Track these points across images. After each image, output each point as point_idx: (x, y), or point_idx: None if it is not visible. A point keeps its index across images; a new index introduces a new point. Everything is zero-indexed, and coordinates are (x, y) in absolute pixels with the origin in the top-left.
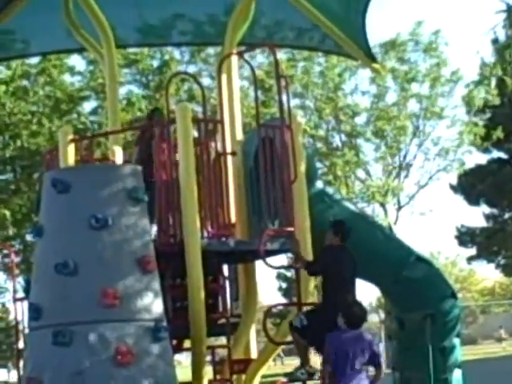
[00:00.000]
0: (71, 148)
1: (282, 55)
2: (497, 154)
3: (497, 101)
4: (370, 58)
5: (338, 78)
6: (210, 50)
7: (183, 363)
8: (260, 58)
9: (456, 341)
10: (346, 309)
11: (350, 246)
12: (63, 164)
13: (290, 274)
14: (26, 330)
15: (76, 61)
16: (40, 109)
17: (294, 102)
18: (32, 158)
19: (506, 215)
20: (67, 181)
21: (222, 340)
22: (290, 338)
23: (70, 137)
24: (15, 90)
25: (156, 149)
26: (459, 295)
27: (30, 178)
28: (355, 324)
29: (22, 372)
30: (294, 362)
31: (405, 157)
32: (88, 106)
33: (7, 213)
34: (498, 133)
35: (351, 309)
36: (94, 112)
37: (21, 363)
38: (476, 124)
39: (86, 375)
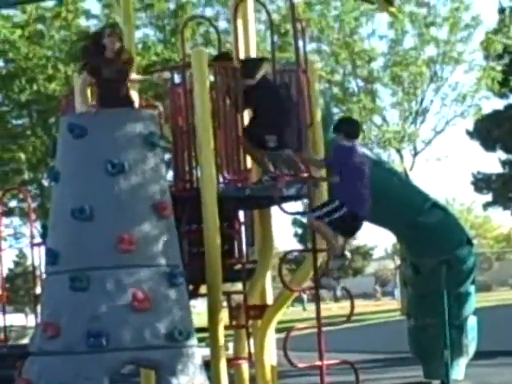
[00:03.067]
0: (87, 93)
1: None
2: None
3: None
4: (386, 1)
5: (355, 22)
6: None
7: (198, 308)
8: (279, 1)
9: (471, 287)
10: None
11: None
12: (80, 109)
13: (305, 220)
14: (44, 276)
15: (91, 4)
16: (56, 53)
17: (311, 46)
18: (48, 103)
19: None
20: (83, 125)
21: (238, 286)
22: (306, 284)
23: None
24: (30, 34)
25: (171, 94)
26: (474, 242)
27: (46, 122)
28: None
29: (39, 317)
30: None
31: (421, 102)
32: None
33: (23, 157)
34: None
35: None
36: None
37: (38, 308)
38: (494, 69)
39: (103, 320)
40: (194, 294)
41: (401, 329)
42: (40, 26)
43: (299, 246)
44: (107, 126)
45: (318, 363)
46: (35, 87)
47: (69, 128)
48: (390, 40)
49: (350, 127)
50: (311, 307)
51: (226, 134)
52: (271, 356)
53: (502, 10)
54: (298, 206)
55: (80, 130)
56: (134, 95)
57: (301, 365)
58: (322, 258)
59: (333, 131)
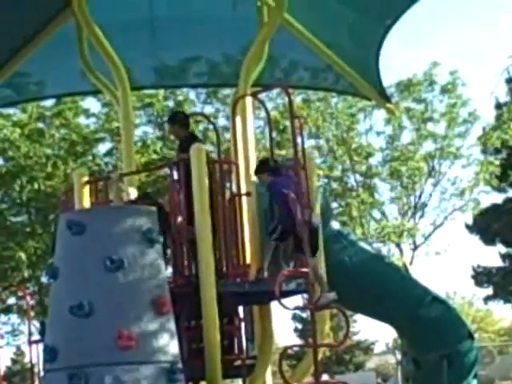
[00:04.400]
0: (86, 190)
1: (297, 96)
2: None
3: None
4: (384, 98)
5: (352, 118)
6: (228, 91)
7: None
8: (278, 99)
9: (473, 382)
10: None
11: (367, 287)
12: (78, 206)
13: (305, 315)
14: (42, 373)
15: (91, 103)
16: (55, 151)
17: (309, 142)
18: (47, 201)
19: None
20: (82, 222)
21: (238, 382)
22: (306, 380)
23: (85, 179)
24: (30, 132)
25: (170, 190)
26: (476, 335)
27: (45, 220)
28: None
29: None
30: None
31: (420, 197)
32: (103, 148)
33: (23, 255)
34: None
35: None
36: (108, 154)
37: None
38: (492, 163)
39: None
40: None
41: None
42: (40, 125)
43: (299, 341)
44: (105, 222)
45: None
46: (36, 186)
47: (67, 225)
48: (388, 136)
49: (269, 166)
50: None
51: (224, 228)
52: None
53: (498, 106)
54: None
55: (78, 226)
56: (132, 191)
57: None
58: (322, 353)
59: (257, 173)
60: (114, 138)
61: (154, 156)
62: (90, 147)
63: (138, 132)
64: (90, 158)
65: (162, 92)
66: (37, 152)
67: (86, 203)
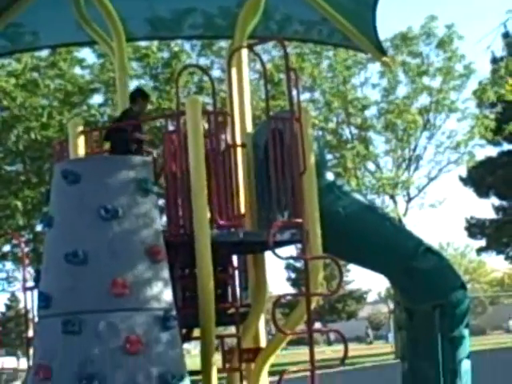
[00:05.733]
0: (81, 140)
1: (291, 50)
2: (507, 146)
3: (509, 95)
4: (380, 51)
5: (347, 71)
6: (222, 43)
7: (192, 352)
8: (273, 51)
9: (465, 331)
10: None
11: (360, 238)
12: (73, 155)
13: (299, 264)
14: (36, 319)
15: (86, 54)
16: (50, 102)
17: (304, 96)
18: (42, 150)
19: None
20: (77, 172)
21: (232, 329)
22: (299, 328)
23: (80, 129)
24: (25, 83)
25: (165, 140)
26: (468, 286)
27: (40, 169)
28: None
29: (31, 360)
30: (302, 351)
31: (415, 149)
32: (98, 99)
33: (18, 203)
34: (510, 127)
35: None
36: (103, 104)
37: (30, 351)
38: (487, 117)
39: (95, 363)
40: (187, 338)
41: (395, 372)
42: (35, 75)
43: (292, 290)
44: (101, 172)
45: None
46: (32, 135)
47: (63, 174)
48: (383, 88)
49: None
50: (305, 350)
51: (219, 179)
52: None
53: (494, 60)
54: (291, 250)
55: (74, 176)
56: None
57: None
58: (315, 302)
59: None
60: (109, 89)
61: (150, 107)
62: (85, 97)
63: (133, 83)
64: (85, 108)
65: (156, 43)
66: (32, 102)
67: (81, 153)
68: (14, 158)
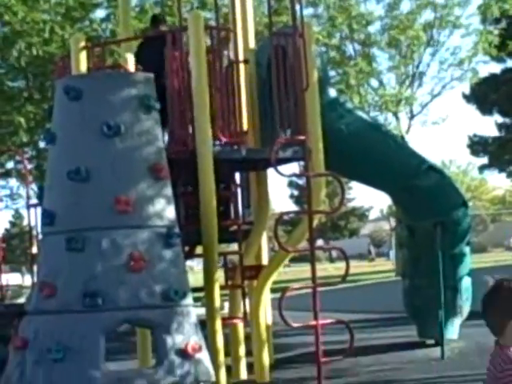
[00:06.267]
0: (83, 55)
1: None
2: (511, 63)
3: None
4: None
5: None
6: None
7: (195, 269)
8: None
9: (466, 249)
10: None
11: (363, 155)
12: (75, 71)
13: (301, 181)
14: (40, 236)
15: None
16: (52, 17)
17: (307, 11)
18: (45, 66)
19: None
20: (79, 88)
21: (234, 246)
22: (301, 246)
23: (82, 44)
24: None
25: (168, 57)
26: (470, 204)
27: (43, 85)
28: None
29: (35, 277)
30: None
31: (418, 66)
32: (100, 14)
33: (22, 120)
34: None
35: None
36: (106, 19)
37: (34, 268)
38: (491, 33)
39: (99, 280)
40: (190, 255)
41: (395, 289)
42: None
43: (295, 208)
44: (103, 89)
45: (313, 323)
46: (34, 51)
47: (65, 90)
48: (387, 4)
49: None
50: (307, 267)
51: (222, 96)
52: (266, 316)
53: None
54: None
55: (76, 92)
56: (130, 58)
57: (296, 324)
58: (317, 219)
59: None
60: (111, 4)
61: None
62: (87, 12)
63: None
64: (87, 23)
65: None
66: (33, 17)
67: (83, 69)
68: (17, 74)
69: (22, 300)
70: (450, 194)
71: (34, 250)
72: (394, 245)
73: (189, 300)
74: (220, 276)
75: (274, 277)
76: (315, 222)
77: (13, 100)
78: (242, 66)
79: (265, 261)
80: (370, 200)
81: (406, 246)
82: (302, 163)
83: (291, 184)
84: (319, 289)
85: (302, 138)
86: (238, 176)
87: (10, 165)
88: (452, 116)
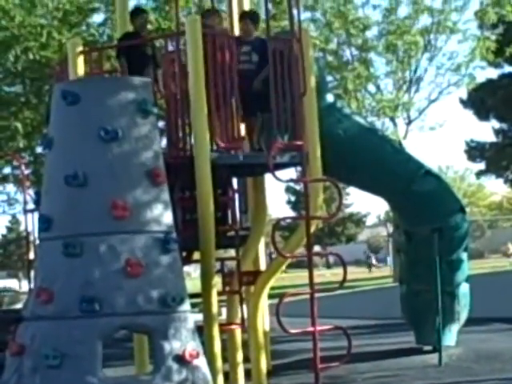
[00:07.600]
0: (80, 60)
1: None
2: (508, 68)
3: (511, 16)
4: None
5: None
6: None
7: (192, 275)
8: None
9: (463, 255)
10: None
11: (360, 160)
12: (72, 76)
13: (298, 187)
14: (37, 241)
15: None
16: (49, 21)
17: (305, 15)
18: (42, 71)
19: None
20: (77, 92)
21: (231, 252)
22: (298, 251)
23: (79, 49)
24: (22, 1)
25: (165, 61)
26: (467, 210)
27: (40, 90)
28: None
29: (32, 282)
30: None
31: (415, 71)
32: (97, 19)
33: (19, 125)
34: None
35: None
36: (103, 24)
37: (31, 274)
38: (488, 38)
39: (96, 286)
40: (187, 261)
41: (393, 295)
42: None
43: (292, 213)
44: (100, 93)
45: (311, 329)
46: (31, 56)
47: (62, 95)
48: (384, 9)
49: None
50: (304, 273)
51: (219, 101)
52: (264, 322)
53: None
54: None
55: (73, 96)
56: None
57: (293, 330)
58: (315, 225)
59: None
60: (109, 8)
61: (149, 27)
62: (84, 17)
63: (133, 2)
64: (85, 28)
65: None
66: (31, 22)
67: (81, 73)
68: (14, 78)
69: (19, 306)
70: (448, 199)
71: (31, 255)
72: (392, 251)
73: (186, 306)
74: (218, 282)
75: (272, 282)
76: (313, 228)
77: (10, 105)
78: None
79: (262, 266)
80: (367, 206)
81: (403, 252)
82: (299, 168)
83: (288, 189)
84: (317, 295)
85: (300, 143)
86: (235, 181)
87: (7, 170)
88: (449, 121)
